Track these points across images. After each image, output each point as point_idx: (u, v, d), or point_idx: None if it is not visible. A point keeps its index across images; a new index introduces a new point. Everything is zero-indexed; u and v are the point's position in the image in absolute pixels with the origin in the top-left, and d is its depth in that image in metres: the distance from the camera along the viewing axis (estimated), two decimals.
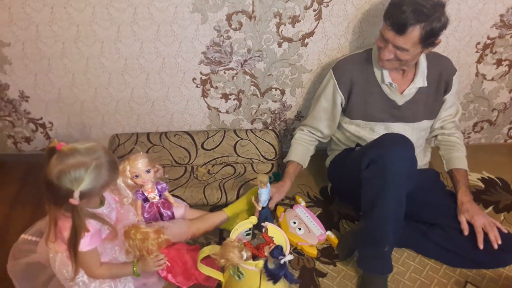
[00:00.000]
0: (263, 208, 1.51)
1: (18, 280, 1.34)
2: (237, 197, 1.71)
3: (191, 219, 1.54)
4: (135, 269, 1.30)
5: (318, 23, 1.69)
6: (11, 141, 2.01)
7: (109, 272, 1.30)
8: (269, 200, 1.53)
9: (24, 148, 2.04)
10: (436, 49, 1.54)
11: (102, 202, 1.28)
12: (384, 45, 1.46)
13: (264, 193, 1.47)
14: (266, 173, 1.85)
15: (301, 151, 1.74)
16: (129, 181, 1.42)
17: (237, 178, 1.83)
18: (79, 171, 1.10)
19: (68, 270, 1.27)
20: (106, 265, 1.30)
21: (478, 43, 1.81)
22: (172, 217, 1.53)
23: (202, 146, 1.94)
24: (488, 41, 1.81)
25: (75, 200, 1.10)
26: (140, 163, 1.41)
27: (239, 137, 1.96)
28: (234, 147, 1.95)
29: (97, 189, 1.16)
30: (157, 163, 1.53)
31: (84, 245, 1.19)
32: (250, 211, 1.58)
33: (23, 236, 1.44)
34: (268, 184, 1.47)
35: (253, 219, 1.45)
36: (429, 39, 1.41)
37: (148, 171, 1.42)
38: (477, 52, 1.84)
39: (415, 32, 1.38)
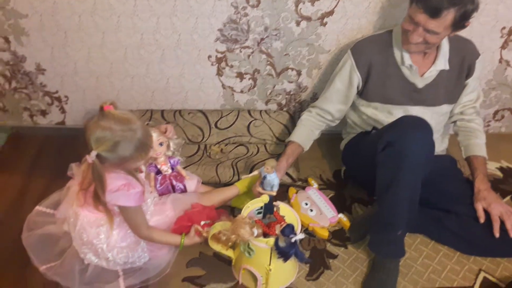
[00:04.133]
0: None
1: (32, 251, 1.37)
2: None
3: (202, 193, 1.55)
4: (182, 240, 1.37)
5: (338, 2, 1.66)
6: (27, 114, 2.02)
7: (156, 236, 1.36)
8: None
9: (39, 121, 2.05)
10: (459, 33, 1.49)
11: (137, 170, 1.35)
12: (413, 28, 1.40)
13: (275, 178, 1.43)
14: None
15: (305, 133, 1.68)
16: None
17: (250, 158, 1.82)
18: (104, 134, 1.16)
19: (88, 235, 1.31)
20: (155, 229, 1.37)
21: (504, 28, 1.76)
22: (184, 190, 1.54)
23: (215, 125, 1.93)
24: None
25: (90, 158, 1.16)
26: (153, 136, 1.41)
27: (253, 117, 1.94)
28: (248, 127, 1.93)
29: (115, 160, 1.19)
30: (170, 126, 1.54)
31: (134, 200, 1.25)
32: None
33: (37, 207, 1.47)
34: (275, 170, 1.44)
35: (265, 198, 1.43)
36: (461, 22, 1.37)
37: (161, 144, 1.44)
38: (501, 37, 1.78)
39: (449, 15, 1.34)
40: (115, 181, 1.23)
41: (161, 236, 1.37)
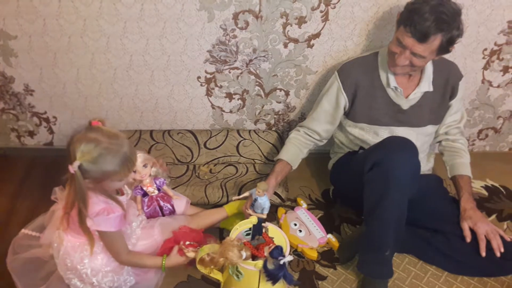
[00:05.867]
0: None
1: (17, 275, 1.34)
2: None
3: (191, 215, 1.54)
4: (164, 262, 1.34)
5: (325, 24, 1.69)
6: (15, 135, 2.01)
7: (137, 260, 1.33)
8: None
9: (27, 142, 2.04)
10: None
11: (118, 193, 1.33)
12: (401, 51, 1.44)
13: (266, 201, 1.42)
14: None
15: (293, 151, 1.69)
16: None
17: (239, 178, 1.83)
18: (89, 145, 1.14)
19: (72, 260, 1.28)
20: (135, 253, 1.34)
21: (485, 49, 1.80)
22: (172, 211, 1.53)
23: (205, 145, 1.93)
24: (495, 48, 1.80)
25: (71, 168, 1.12)
26: (138, 158, 1.41)
27: (242, 137, 1.95)
28: (237, 147, 1.94)
29: (97, 174, 1.16)
30: (160, 160, 1.55)
31: (113, 225, 1.23)
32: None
33: (23, 231, 1.43)
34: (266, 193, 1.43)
35: (254, 219, 1.44)
36: (447, 47, 1.42)
37: (145, 166, 1.44)
38: (483, 58, 1.83)
39: (436, 40, 1.38)
40: (94, 205, 1.21)
41: (141, 260, 1.34)
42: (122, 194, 1.33)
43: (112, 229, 1.24)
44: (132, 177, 1.37)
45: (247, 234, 1.47)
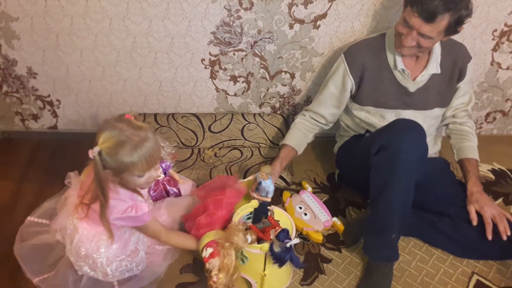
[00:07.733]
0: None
1: (25, 262, 1.34)
2: None
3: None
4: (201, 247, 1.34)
5: (331, 4, 1.66)
6: (19, 118, 2.00)
7: (176, 241, 1.37)
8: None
9: (31, 126, 2.03)
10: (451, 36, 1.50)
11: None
12: (408, 31, 1.41)
13: (270, 184, 1.42)
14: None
15: (298, 136, 1.68)
16: None
17: (244, 162, 1.82)
18: (112, 132, 1.14)
19: (88, 248, 1.27)
20: (174, 234, 1.38)
21: (495, 30, 1.77)
22: (178, 195, 1.54)
23: (209, 129, 1.92)
24: (505, 29, 1.76)
25: (91, 152, 1.12)
26: None
27: (247, 120, 1.94)
28: (242, 130, 1.93)
29: (116, 163, 1.14)
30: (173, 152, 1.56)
31: (141, 221, 1.26)
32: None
33: (29, 218, 1.43)
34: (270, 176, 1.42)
35: (254, 203, 1.43)
36: (455, 27, 1.38)
37: None
38: (493, 39, 1.79)
39: (444, 20, 1.35)
40: (121, 203, 1.21)
41: (181, 242, 1.38)
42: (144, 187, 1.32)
43: (140, 224, 1.25)
44: (154, 176, 1.28)
45: (248, 218, 1.47)
